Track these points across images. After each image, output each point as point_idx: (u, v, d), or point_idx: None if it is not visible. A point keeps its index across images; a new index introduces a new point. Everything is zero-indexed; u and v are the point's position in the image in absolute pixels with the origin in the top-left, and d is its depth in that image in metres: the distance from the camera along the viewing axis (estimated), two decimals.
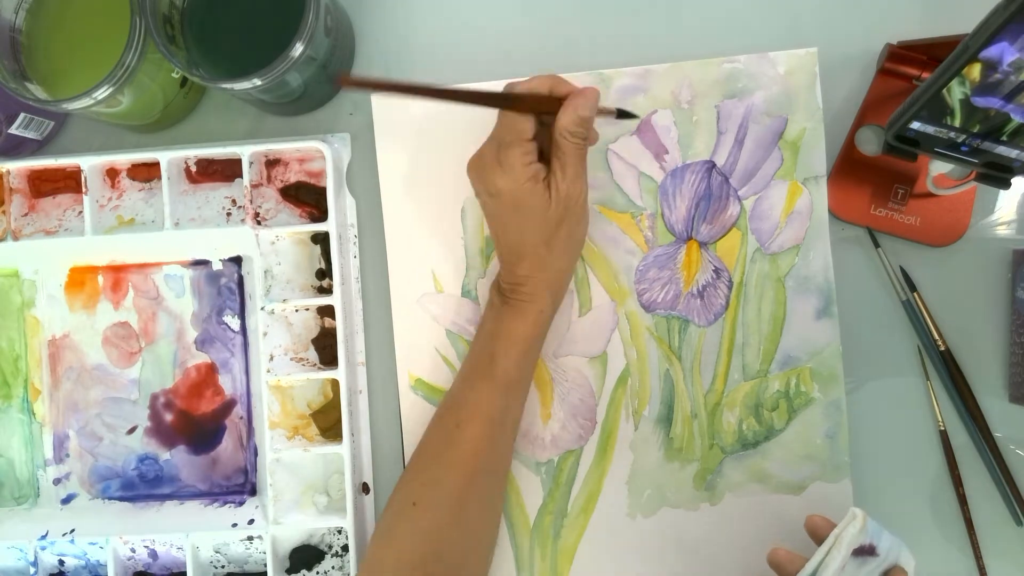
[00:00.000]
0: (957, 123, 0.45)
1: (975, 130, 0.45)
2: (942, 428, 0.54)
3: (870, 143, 0.55)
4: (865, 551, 0.44)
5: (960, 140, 0.46)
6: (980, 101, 0.42)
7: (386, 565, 0.47)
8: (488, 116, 0.50)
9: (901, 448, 0.54)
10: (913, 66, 0.53)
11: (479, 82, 0.55)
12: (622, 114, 0.52)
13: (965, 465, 0.54)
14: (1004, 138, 0.45)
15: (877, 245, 0.54)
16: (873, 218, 0.54)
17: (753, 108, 0.54)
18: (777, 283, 0.54)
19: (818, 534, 0.45)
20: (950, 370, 0.54)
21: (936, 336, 0.54)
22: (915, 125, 0.46)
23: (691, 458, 0.55)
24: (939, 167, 0.52)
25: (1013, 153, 0.46)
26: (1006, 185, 0.48)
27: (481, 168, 0.48)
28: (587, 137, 0.48)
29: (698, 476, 0.54)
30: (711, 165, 0.55)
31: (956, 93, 0.42)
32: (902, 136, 0.47)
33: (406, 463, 0.54)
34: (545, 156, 0.48)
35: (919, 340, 0.55)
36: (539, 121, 0.48)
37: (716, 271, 0.55)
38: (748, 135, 0.54)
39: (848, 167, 0.54)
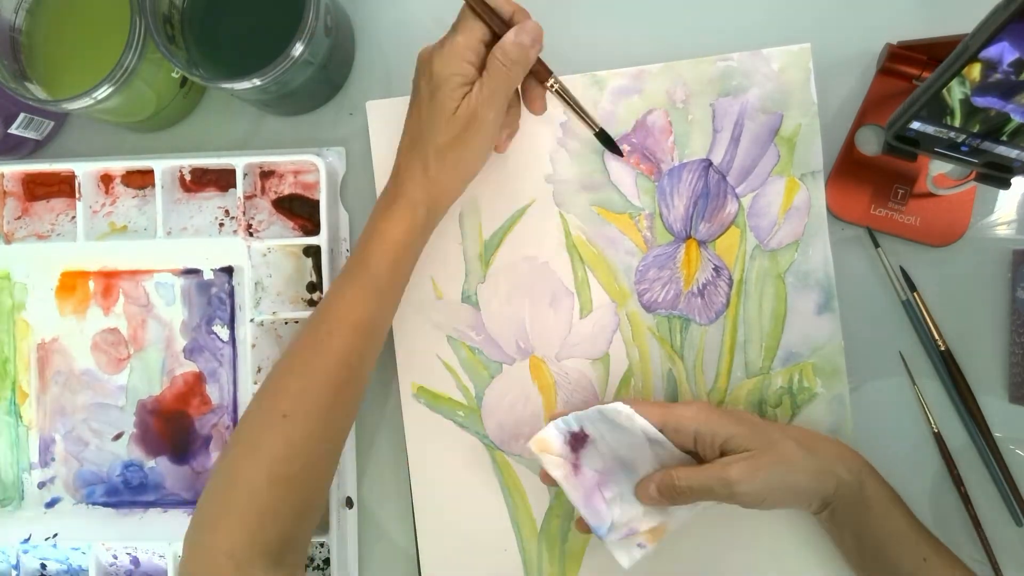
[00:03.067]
0: (957, 123, 0.45)
1: (975, 130, 0.45)
2: (936, 431, 0.54)
3: (870, 143, 0.55)
4: (577, 444, 0.48)
5: (960, 140, 0.46)
6: (980, 101, 0.42)
7: (256, 480, 0.44)
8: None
9: (901, 448, 0.54)
10: (913, 66, 0.53)
11: None
12: (604, 138, 0.52)
13: (965, 465, 0.54)
14: (1004, 138, 0.45)
15: (877, 245, 0.54)
16: (873, 218, 0.54)
17: (748, 105, 0.54)
18: (777, 279, 0.54)
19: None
20: (950, 370, 0.54)
21: (936, 336, 0.54)
22: (915, 125, 0.46)
23: None
24: (939, 167, 0.52)
25: (1013, 153, 0.46)
26: (1006, 185, 0.48)
27: (428, 51, 0.48)
28: (517, 64, 0.46)
29: None
30: (708, 163, 0.55)
31: (956, 93, 0.42)
32: (902, 136, 0.47)
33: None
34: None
35: (901, 346, 0.55)
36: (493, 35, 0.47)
37: (716, 269, 0.55)
38: (744, 132, 0.54)
39: (848, 167, 0.54)
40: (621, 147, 0.54)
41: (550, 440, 0.49)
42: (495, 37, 0.47)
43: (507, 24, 0.47)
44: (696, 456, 0.48)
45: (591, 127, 0.51)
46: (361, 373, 0.49)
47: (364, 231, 0.49)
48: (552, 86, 0.49)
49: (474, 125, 0.47)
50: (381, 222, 0.48)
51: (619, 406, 0.47)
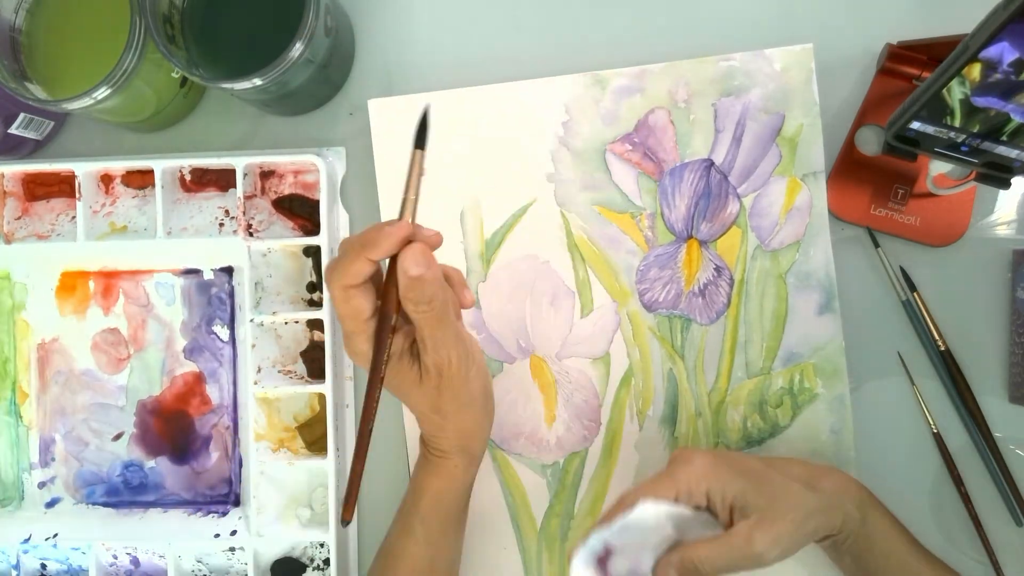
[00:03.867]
0: (957, 123, 0.45)
1: (975, 130, 0.45)
2: (936, 431, 0.54)
3: (870, 143, 0.55)
4: (602, 565, 0.44)
5: (960, 140, 0.46)
6: (980, 101, 0.42)
7: None
8: (494, 113, 0.50)
9: (902, 448, 0.54)
10: (913, 66, 0.53)
11: (478, 83, 0.55)
12: (419, 139, 0.43)
13: (965, 465, 0.54)
14: (1004, 138, 0.45)
15: (877, 245, 0.54)
16: (873, 218, 0.54)
17: (750, 105, 0.54)
18: (778, 280, 0.54)
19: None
20: (950, 370, 0.54)
21: (936, 336, 0.54)
22: (915, 125, 0.46)
23: None
24: (939, 167, 0.52)
25: (1013, 153, 0.46)
26: (1006, 185, 0.49)
27: (352, 358, 0.44)
28: (432, 299, 0.40)
29: None
30: (709, 163, 0.55)
31: (956, 93, 0.42)
32: (902, 136, 0.47)
33: (409, 470, 0.54)
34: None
35: (901, 346, 0.55)
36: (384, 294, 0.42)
37: (717, 269, 0.55)
38: (746, 132, 0.54)
39: (848, 167, 0.54)
40: (623, 146, 0.54)
41: (579, 572, 0.45)
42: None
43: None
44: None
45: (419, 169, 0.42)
46: None
47: (409, 486, 0.49)
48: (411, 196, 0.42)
49: (447, 374, 0.43)
50: (422, 476, 0.48)
51: (644, 510, 0.44)
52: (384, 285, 0.42)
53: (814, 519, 0.44)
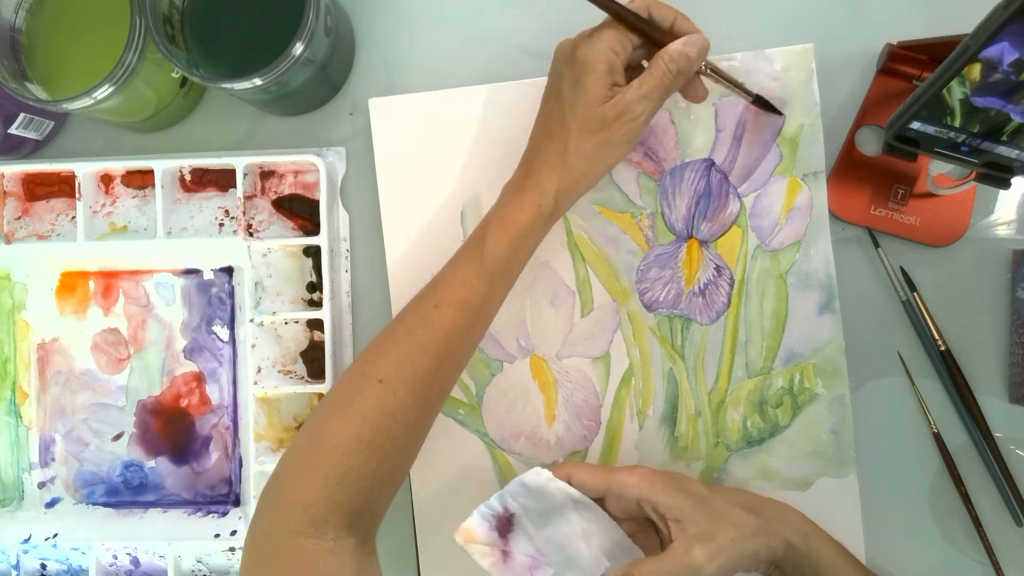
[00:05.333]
0: (957, 123, 0.45)
1: (975, 130, 0.45)
2: (936, 431, 0.54)
3: (870, 143, 0.55)
4: (504, 528, 0.46)
5: (960, 140, 0.46)
6: (980, 101, 0.42)
7: (344, 440, 0.44)
8: (494, 113, 0.49)
9: (902, 448, 0.54)
10: (913, 66, 0.53)
11: (478, 83, 0.55)
12: (761, 102, 0.51)
13: (965, 465, 0.54)
14: (1004, 138, 0.45)
15: (877, 245, 0.54)
16: (873, 218, 0.54)
17: (751, 105, 0.54)
18: (778, 280, 0.54)
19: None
20: (950, 370, 0.54)
21: (936, 336, 0.54)
22: (915, 125, 0.46)
23: (696, 456, 0.55)
24: (939, 167, 0.52)
25: (1013, 153, 0.46)
26: (1006, 185, 0.49)
27: (570, 41, 0.47)
28: (681, 72, 0.46)
29: (704, 474, 0.54)
30: (710, 163, 0.55)
31: (956, 93, 0.42)
32: (902, 136, 0.47)
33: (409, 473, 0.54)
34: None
35: (901, 346, 0.55)
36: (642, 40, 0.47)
37: (717, 269, 0.55)
38: (746, 132, 0.54)
39: (848, 167, 0.54)
40: None
41: (475, 529, 0.47)
42: (646, 41, 0.46)
43: (665, 31, 0.46)
44: (634, 521, 0.48)
45: (747, 97, 0.51)
46: (462, 351, 0.48)
47: (489, 212, 0.48)
48: (706, 70, 0.49)
49: (625, 117, 0.46)
50: (506, 206, 0.47)
51: (538, 470, 0.46)
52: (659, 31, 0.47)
53: (753, 540, 0.45)
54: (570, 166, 0.47)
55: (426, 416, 0.47)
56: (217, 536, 0.56)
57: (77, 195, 0.56)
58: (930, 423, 0.54)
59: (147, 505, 0.58)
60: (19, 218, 0.58)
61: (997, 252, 0.54)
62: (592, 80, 0.45)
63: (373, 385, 0.45)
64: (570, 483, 0.47)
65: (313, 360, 0.56)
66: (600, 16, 0.47)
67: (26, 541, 0.56)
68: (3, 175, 0.57)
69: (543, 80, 0.55)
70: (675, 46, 0.46)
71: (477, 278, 0.47)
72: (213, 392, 0.58)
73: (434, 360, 0.46)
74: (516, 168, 0.49)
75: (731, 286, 0.55)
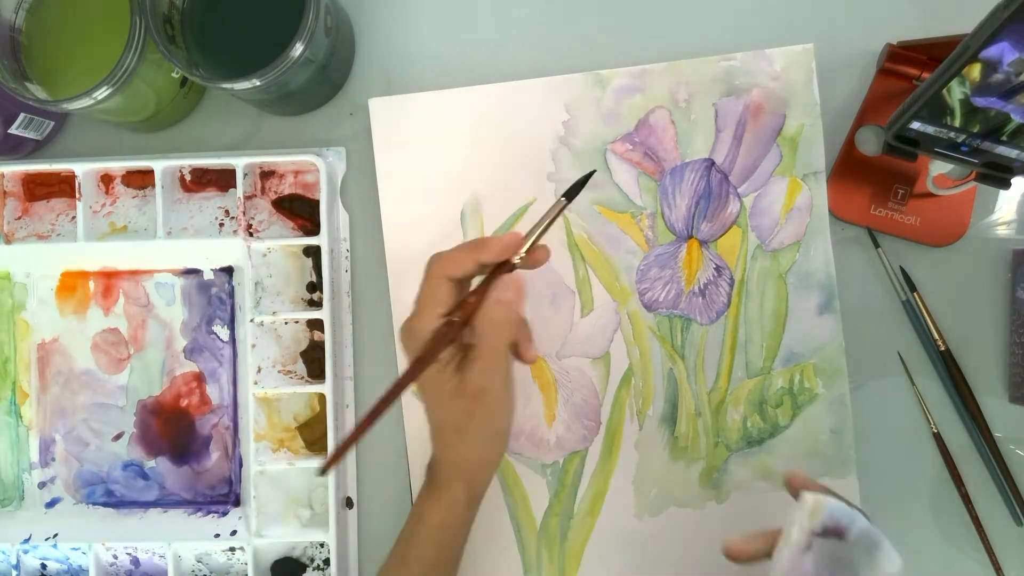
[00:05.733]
0: (957, 123, 0.45)
1: (975, 130, 0.45)
2: (936, 431, 0.54)
3: (870, 143, 0.55)
4: (831, 532, 0.41)
5: (960, 140, 0.46)
6: (980, 101, 0.42)
7: None
8: (494, 113, 0.50)
9: (902, 448, 0.54)
10: (913, 66, 0.53)
11: (478, 83, 0.55)
12: (572, 192, 0.46)
13: (965, 465, 0.54)
14: (1004, 138, 0.45)
15: (877, 245, 0.54)
16: (873, 218, 0.54)
17: (751, 105, 0.54)
18: (778, 280, 0.54)
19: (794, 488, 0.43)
20: (950, 370, 0.54)
21: (936, 336, 0.54)
22: (915, 125, 0.46)
23: (696, 456, 0.55)
24: (939, 167, 0.52)
25: (1013, 153, 0.46)
26: (1006, 185, 0.49)
27: (405, 335, 0.45)
28: (508, 323, 0.43)
29: (704, 474, 0.54)
30: (710, 163, 0.55)
31: (956, 93, 0.42)
32: (902, 136, 0.47)
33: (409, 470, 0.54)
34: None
35: (901, 346, 0.55)
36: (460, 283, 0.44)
37: (717, 269, 0.55)
38: (746, 132, 0.54)
39: (848, 167, 0.54)
40: (624, 146, 0.55)
41: (826, 507, 0.41)
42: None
43: (470, 299, 0.44)
44: None
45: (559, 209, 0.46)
46: None
47: (410, 514, 0.48)
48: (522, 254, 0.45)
49: (484, 399, 0.43)
50: (422, 505, 0.47)
51: (896, 562, 0.41)
52: (472, 294, 0.44)
53: None
54: (464, 458, 0.46)
55: None
56: (217, 536, 0.56)
57: (77, 195, 0.56)
58: (930, 423, 0.54)
59: (147, 505, 0.58)
60: (19, 218, 0.58)
61: (997, 252, 0.54)
62: (434, 387, 0.44)
63: None
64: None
65: (313, 360, 0.56)
66: None
67: (26, 541, 0.56)
68: (3, 175, 0.57)
69: (543, 80, 0.55)
70: (491, 312, 0.43)
71: None
72: (213, 392, 0.58)
73: None
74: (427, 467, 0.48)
75: (731, 286, 0.55)
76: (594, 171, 0.48)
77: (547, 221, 0.45)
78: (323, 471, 0.41)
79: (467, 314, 0.43)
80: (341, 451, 0.42)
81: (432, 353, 0.43)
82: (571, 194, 0.46)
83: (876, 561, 0.41)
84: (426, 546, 0.47)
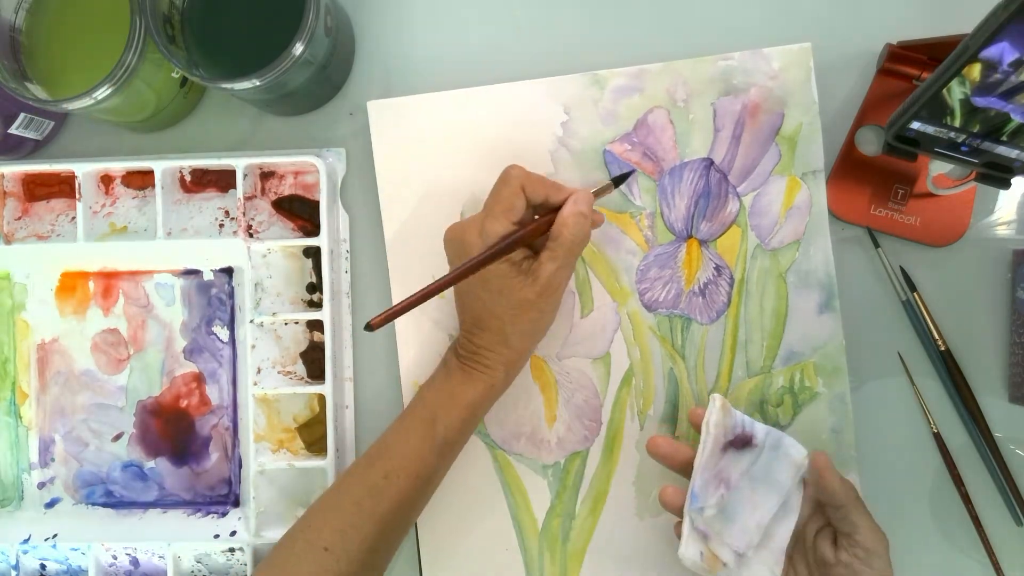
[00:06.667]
0: (957, 123, 0.45)
1: (975, 130, 0.45)
2: (935, 431, 0.54)
3: (870, 143, 0.55)
4: (739, 442, 0.47)
5: (960, 140, 0.46)
6: (980, 101, 0.42)
7: None
8: (494, 113, 0.50)
9: (902, 448, 0.54)
10: (913, 66, 0.53)
11: (478, 83, 0.55)
12: (618, 180, 0.53)
13: (965, 465, 0.54)
14: (1004, 138, 0.45)
15: (877, 245, 0.54)
16: (873, 218, 0.54)
17: (749, 105, 0.54)
18: (778, 279, 0.54)
19: (696, 423, 0.48)
20: (950, 370, 0.54)
21: (936, 336, 0.54)
22: (915, 125, 0.46)
23: None
24: (939, 167, 0.52)
25: (1013, 153, 0.46)
26: (1006, 185, 0.49)
27: (461, 234, 0.48)
28: (582, 233, 0.48)
29: None
30: (709, 163, 0.55)
31: (956, 93, 0.42)
32: (902, 136, 0.48)
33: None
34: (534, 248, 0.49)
35: (901, 346, 0.55)
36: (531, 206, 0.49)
37: (717, 268, 0.55)
38: (745, 132, 0.54)
39: (848, 167, 0.54)
40: (622, 146, 0.55)
41: (730, 411, 0.48)
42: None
43: (550, 206, 0.48)
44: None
45: (605, 191, 0.52)
46: (409, 519, 0.50)
47: (434, 386, 0.50)
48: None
49: (548, 291, 0.47)
50: (457, 385, 0.49)
51: (800, 450, 0.47)
52: (546, 214, 0.49)
53: None
54: (512, 347, 0.49)
55: None
56: (217, 536, 0.56)
57: (77, 195, 0.56)
58: (930, 423, 0.54)
59: (147, 505, 0.58)
60: (19, 218, 0.58)
61: (997, 252, 0.55)
62: (503, 280, 0.47)
63: (318, 554, 0.45)
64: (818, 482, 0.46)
65: (313, 361, 0.56)
66: None
67: (26, 541, 0.56)
68: (3, 175, 0.57)
69: (543, 81, 0.55)
70: (568, 213, 0.47)
71: (429, 451, 0.48)
72: (213, 393, 0.58)
73: (382, 530, 0.47)
74: (450, 349, 0.51)
75: (731, 285, 0.55)
76: (635, 170, 0.54)
77: (599, 191, 0.51)
78: (372, 326, 0.43)
79: (540, 224, 0.48)
80: (397, 310, 0.44)
81: (509, 248, 0.46)
82: (618, 182, 0.53)
83: (784, 453, 0.47)
84: (453, 422, 0.49)
